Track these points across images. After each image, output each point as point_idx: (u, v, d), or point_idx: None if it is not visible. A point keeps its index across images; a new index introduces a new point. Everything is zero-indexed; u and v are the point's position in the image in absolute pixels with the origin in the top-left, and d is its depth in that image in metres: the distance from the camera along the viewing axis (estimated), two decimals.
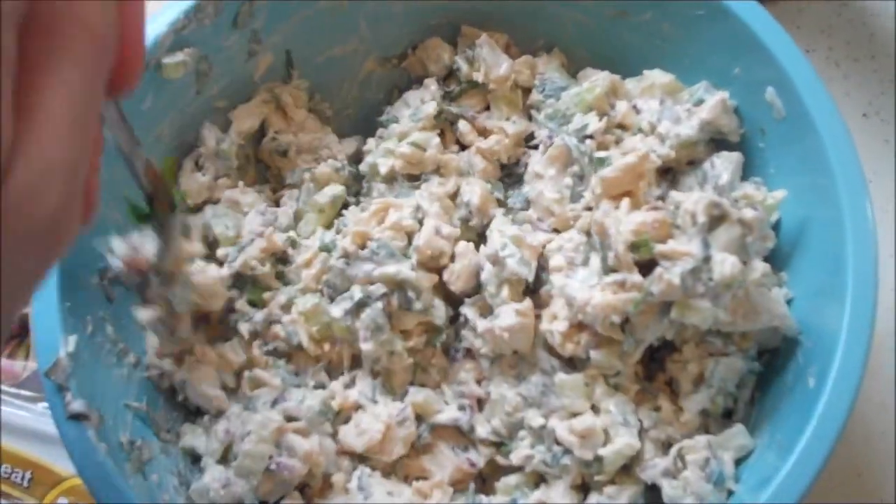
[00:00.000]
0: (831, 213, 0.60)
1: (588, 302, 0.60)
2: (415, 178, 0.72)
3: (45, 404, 0.73)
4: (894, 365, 0.74)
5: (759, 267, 0.60)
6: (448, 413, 0.66)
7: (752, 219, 0.59)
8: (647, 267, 0.60)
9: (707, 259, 0.58)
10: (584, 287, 0.61)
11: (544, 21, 0.74)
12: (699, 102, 0.67)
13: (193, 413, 0.66)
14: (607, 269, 0.61)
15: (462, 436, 0.67)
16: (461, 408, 0.66)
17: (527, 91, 0.75)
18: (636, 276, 0.59)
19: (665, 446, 0.63)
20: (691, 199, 0.60)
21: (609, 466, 0.61)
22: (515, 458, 0.64)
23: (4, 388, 0.76)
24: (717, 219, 0.59)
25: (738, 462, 0.61)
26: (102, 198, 0.45)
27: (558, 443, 0.63)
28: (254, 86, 0.73)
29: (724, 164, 0.67)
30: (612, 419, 0.62)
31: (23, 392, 0.76)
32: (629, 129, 0.69)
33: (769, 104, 0.65)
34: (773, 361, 0.64)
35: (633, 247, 0.60)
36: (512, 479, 0.65)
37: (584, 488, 0.64)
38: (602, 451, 0.61)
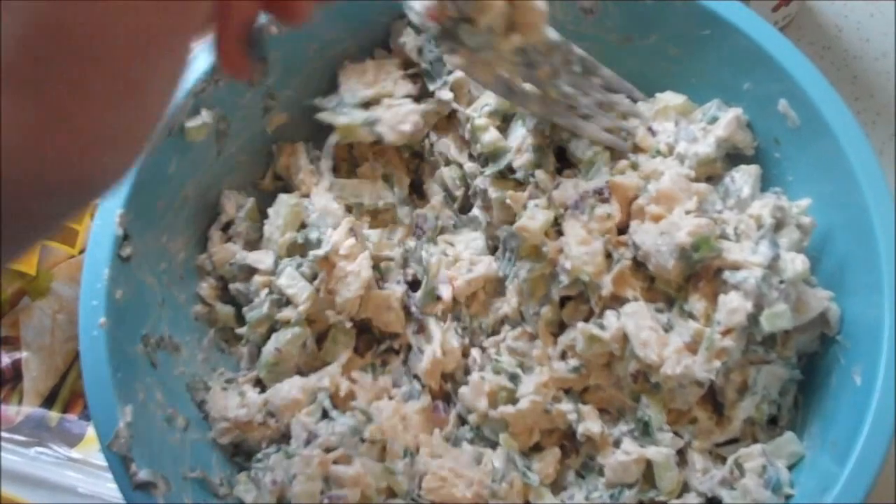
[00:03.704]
0: (857, 214, 0.62)
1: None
2: None
3: (39, 449, 0.75)
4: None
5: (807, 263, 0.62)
6: None
7: (808, 223, 0.62)
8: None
9: (776, 259, 0.60)
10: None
11: None
12: (713, 120, 0.69)
13: (243, 465, 0.66)
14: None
15: None
16: None
17: None
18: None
19: (714, 457, 0.64)
20: (755, 205, 0.63)
21: (667, 485, 0.62)
22: None
23: None
24: (779, 223, 0.61)
25: (790, 468, 0.62)
26: None
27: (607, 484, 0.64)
28: (270, 140, 0.73)
29: (743, 178, 0.68)
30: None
31: (16, 437, 0.76)
32: (647, 151, 0.70)
33: (782, 115, 0.66)
34: (812, 366, 0.65)
35: (693, 247, 0.62)
36: None
37: None
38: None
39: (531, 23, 0.59)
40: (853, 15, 0.92)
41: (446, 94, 0.71)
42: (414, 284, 0.70)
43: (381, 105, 0.70)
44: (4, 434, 0.76)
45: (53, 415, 0.76)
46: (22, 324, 0.78)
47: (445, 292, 0.68)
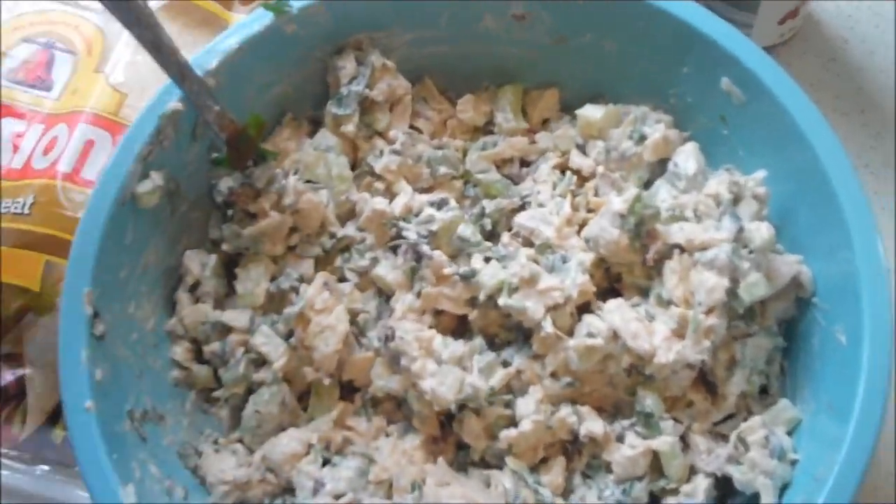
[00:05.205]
0: (813, 177, 0.63)
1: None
2: None
3: (44, 467, 0.73)
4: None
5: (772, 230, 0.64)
6: None
7: (763, 193, 0.63)
8: None
9: (741, 231, 0.62)
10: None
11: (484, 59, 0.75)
12: (641, 139, 0.71)
13: None
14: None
15: None
16: None
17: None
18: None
19: (714, 435, 0.65)
20: (711, 184, 0.65)
21: (675, 472, 0.63)
22: None
23: (3, 450, 0.74)
24: (735, 197, 0.63)
25: (788, 433, 0.63)
26: None
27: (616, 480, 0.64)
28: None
29: (684, 158, 0.69)
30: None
31: (21, 455, 0.74)
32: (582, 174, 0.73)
33: (726, 93, 0.67)
34: (792, 332, 0.66)
35: (629, 209, 0.64)
36: None
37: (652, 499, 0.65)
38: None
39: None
40: (859, 27, 0.93)
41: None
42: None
43: None
44: (10, 452, 0.74)
45: (58, 432, 0.75)
46: (25, 340, 0.76)
47: None
